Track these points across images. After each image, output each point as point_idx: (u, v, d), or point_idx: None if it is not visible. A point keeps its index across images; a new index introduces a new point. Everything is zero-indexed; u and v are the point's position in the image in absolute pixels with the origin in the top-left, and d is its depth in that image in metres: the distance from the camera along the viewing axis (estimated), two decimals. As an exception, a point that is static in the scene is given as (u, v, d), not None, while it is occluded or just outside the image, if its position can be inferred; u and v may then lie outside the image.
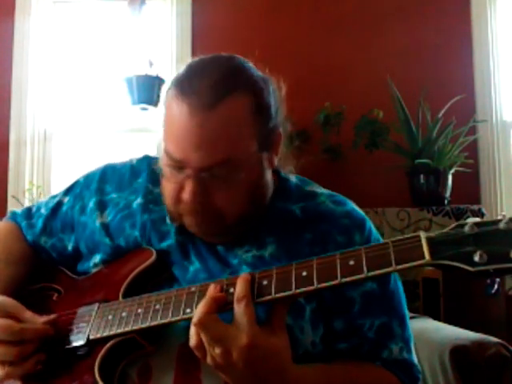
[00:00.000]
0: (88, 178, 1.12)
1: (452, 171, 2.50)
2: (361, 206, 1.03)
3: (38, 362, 0.87)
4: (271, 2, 2.87)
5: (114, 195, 1.06)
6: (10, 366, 0.85)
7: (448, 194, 2.50)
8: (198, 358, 0.81)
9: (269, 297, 0.76)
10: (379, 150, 2.55)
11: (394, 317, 0.94)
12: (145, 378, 0.85)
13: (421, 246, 0.71)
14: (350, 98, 2.69)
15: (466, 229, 0.70)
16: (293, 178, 1.05)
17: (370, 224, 0.98)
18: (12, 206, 2.68)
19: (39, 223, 1.12)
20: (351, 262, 0.74)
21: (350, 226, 0.95)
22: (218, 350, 0.74)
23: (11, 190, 2.74)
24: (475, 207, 2.39)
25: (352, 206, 1.00)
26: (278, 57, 2.67)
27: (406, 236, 0.74)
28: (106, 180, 1.09)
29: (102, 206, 1.05)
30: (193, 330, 0.76)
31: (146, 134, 2.88)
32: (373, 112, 2.53)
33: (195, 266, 0.94)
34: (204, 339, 0.75)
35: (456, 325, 1.67)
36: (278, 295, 0.76)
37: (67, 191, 1.14)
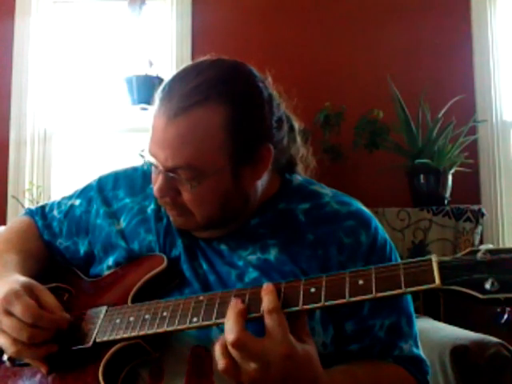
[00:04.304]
0: (101, 182, 1.13)
1: (452, 171, 2.50)
2: (361, 206, 1.03)
3: (49, 352, 0.87)
4: (271, 3, 2.86)
5: (127, 200, 1.08)
6: (23, 345, 0.86)
7: (448, 194, 2.49)
8: (210, 360, 0.82)
9: (296, 308, 0.76)
10: (379, 150, 2.55)
11: (402, 315, 0.95)
12: (157, 379, 0.85)
13: (431, 269, 0.70)
14: (350, 98, 2.68)
15: (479, 255, 0.69)
16: (297, 179, 1.05)
17: (375, 223, 0.98)
18: (12, 206, 2.68)
19: (55, 225, 1.13)
20: (360, 282, 0.74)
21: (355, 227, 0.95)
22: (254, 365, 0.73)
23: (11, 189, 2.74)
24: (475, 207, 2.39)
25: (357, 205, 1.00)
26: (278, 57, 2.67)
27: (418, 259, 0.73)
28: (118, 186, 1.11)
29: (116, 215, 1.07)
30: (220, 352, 0.74)
31: (146, 134, 2.87)
32: (373, 112, 2.53)
33: (203, 267, 0.96)
34: (239, 357, 0.73)
35: (456, 325, 1.67)
36: (305, 306, 0.75)
37: (79, 194, 1.15)
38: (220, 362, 0.74)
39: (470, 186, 2.72)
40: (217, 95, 0.87)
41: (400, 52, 2.79)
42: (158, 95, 0.92)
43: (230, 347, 0.73)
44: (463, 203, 2.42)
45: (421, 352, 0.98)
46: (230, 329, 0.74)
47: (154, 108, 0.92)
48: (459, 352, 1.38)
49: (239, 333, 0.73)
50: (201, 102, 0.86)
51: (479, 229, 2.37)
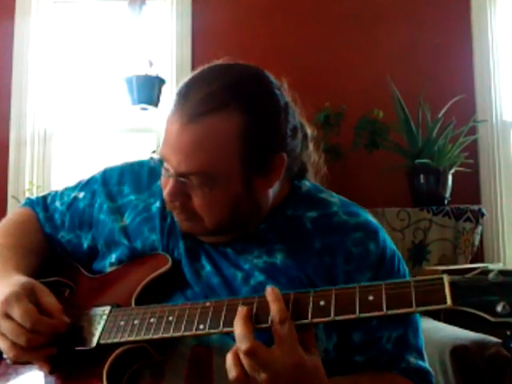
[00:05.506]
0: (105, 175, 1.12)
1: (452, 171, 2.50)
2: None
3: (48, 354, 0.87)
4: (271, 3, 2.86)
5: (132, 197, 1.06)
6: (21, 349, 0.85)
7: (448, 194, 2.49)
8: (209, 359, 0.82)
9: (305, 321, 0.75)
10: (379, 150, 2.54)
11: (409, 328, 0.94)
12: (157, 378, 0.84)
13: (443, 289, 0.69)
14: (350, 98, 2.68)
15: (491, 276, 0.69)
16: (306, 185, 1.03)
17: (383, 234, 0.97)
18: (12, 206, 2.68)
19: (57, 218, 1.12)
20: (370, 298, 0.73)
21: (363, 238, 0.93)
22: (264, 375, 0.73)
23: (11, 189, 2.74)
24: (475, 207, 2.39)
25: (365, 216, 0.98)
26: (278, 57, 2.67)
27: (429, 277, 0.72)
28: (123, 181, 1.09)
29: (120, 211, 1.05)
30: (233, 361, 0.74)
31: (146, 134, 2.88)
32: (373, 112, 2.52)
33: (206, 269, 0.95)
34: (250, 366, 0.73)
35: (456, 325, 1.67)
36: (315, 320, 0.75)
37: (83, 186, 1.13)
38: (232, 370, 0.74)
39: (470, 186, 2.72)
40: (233, 103, 0.86)
41: (400, 52, 2.79)
42: (172, 99, 0.90)
43: (242, 355, 0.73)
44: (463, 203, 2.42)
45: (427, 363, 0.97)
46: (243, 337, 0.73)
47: (168, 109, 0.90)
48: (459, 352, 1.38)
49: (253, 341, 0.73)
50: (216, 110, 0.85)
51: (479, 229, 2.37)
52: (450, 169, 2.49)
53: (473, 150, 2.67)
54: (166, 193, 0.91)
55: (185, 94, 0.88)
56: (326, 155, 2.66)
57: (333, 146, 2.55)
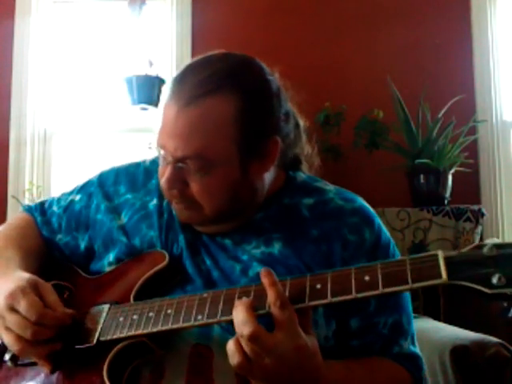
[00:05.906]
0: (101, 178, 1.13)
1: (452, 171, 2.50)
2: (361, 206, 1.03)
3: (53, 350, 0.87)
4: (271, 3, 2.86)
5: (128, 196, 1.08)
6: (27, 343, 0.85)
7: (448, 194, 2.49)
8: (209, 357, 0.83)
9: (303, 304, 0.76)
10: (379, 150, 2.55)
11: (403, 313, 0.96)
12: (157, 376, 0.85)
13: (438, 265, 0.70)
14: (350, 98, 2.68)
15: (485, 250, 0.69)
16: (301, 176, 1.06)
17: (378, 221, 0.99)
18: (12, 206, 2.68)
19: (54, 221, 1.13)
20: (366, 278, 0.73)
21: (359, 224, 0.96)
22: (268, 360, 0.73)
23: (11, 189, 2.74)
24: (475, 207, 2.39)
25: (361, 202, 1.01)
26: (278, 57, 2.66)
27: (424, 254, 0.73)
28: (119, 182, 1.10)
29: (117, 210, 1.06)
30: (235, 348, 0.74)
31: (146, 134, 2.87)
32: (373, 112, 2.53)
33: (206, 263, 0.96)
34: (253, 351, 0.73)
35: (456, 325, 1.67)
36: (312, 303, 0.76)
37: (80, 189, 1.15)
38: (235, 358, 0.74)
39: (470, 186, 2.71)
40: (228, 86, 0.89)
41: (400, 52, 2.79)
42: (168, 86, 0.93)
43: (245, 341, 0.73)
44: (463, 203, 2.42)
45: (417, 349, 0.99)
46: (245, 322, 0.73)
47: (164, 101, 0.92)
48: (459, 352, 1.38)
49: (255, 326, 0.73)
50: (212, 92, 0.87)
51: (479, 229, 2.37)
52: (450, 169, 2.49)
53: (473, 150, 2.67)
54: (163, 180, 0.92)
55: (180, 80, 0.91)
56: (326, 155, 2.66)
57: (333, 145, 2.55)
